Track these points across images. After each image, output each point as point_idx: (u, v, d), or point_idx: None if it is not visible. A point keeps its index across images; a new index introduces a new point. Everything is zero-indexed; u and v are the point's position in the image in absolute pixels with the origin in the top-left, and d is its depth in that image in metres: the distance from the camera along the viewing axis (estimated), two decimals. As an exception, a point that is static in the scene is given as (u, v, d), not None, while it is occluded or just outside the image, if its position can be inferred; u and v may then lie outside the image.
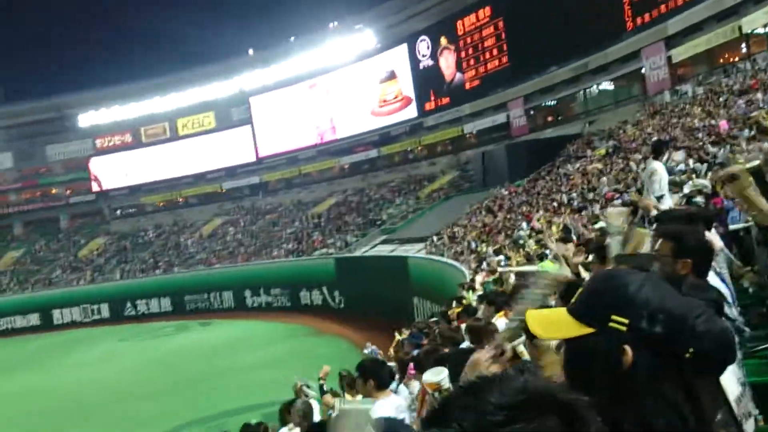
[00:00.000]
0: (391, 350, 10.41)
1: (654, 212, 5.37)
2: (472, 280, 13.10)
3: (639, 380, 1.14)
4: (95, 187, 59.34)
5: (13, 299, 46.24)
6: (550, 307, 2.13)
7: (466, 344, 5.25)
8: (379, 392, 4.40)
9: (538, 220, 19.27)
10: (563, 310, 1.27)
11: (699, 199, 7.16)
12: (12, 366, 30.60)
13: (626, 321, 1.15)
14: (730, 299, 2.88)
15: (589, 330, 1.18)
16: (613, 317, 1.16)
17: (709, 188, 7.72)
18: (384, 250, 34.55)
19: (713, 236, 3.76)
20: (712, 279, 2.71)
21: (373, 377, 4.41)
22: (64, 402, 22.21)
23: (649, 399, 1.13)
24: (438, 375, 3.24)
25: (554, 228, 13.37)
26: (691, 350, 1.21)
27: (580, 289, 1.29)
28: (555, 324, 1.24)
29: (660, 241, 2.68)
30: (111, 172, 58.78)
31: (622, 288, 1.19)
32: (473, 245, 23.19)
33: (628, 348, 1.14)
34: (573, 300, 1.27)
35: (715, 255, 3.03)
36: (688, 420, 1.14)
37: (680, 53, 29.77)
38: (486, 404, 0.85)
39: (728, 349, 1.55)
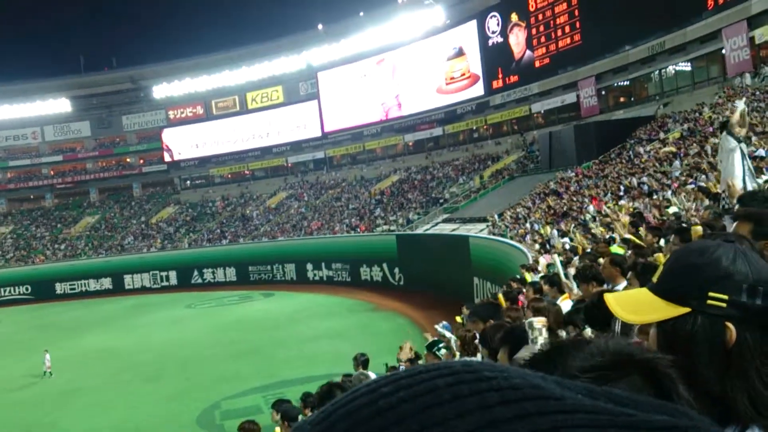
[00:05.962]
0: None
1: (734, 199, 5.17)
2: (536, 262, 12.94)
3: (746, 357, 1.06)
4: (167, 158, 61.28)
5: (88, 263, 48.49)
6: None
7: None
8: None
9: (606, 204, 18.80)
10: (646, 290, 1.19)
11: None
12: (88, 326, 32.38)
13: (725, 296, 1.08)
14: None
15: (684, 310, 1.10)
16: (711, 294, 1.09)
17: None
18: (446, 228, 34.42)
19: None
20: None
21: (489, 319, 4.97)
22: (136, 359, 23.40)
23: (759, 375, 1.06)
24: None
25: (623, 212, 13.03)
26: None
27: (661, 268, 1.21)
28: (644, 306, 1.16)
29: (736, 223, 2.58)
30: (182, 143, 60.53)
31: (716, 261, 1.10)
32: (536, 227, 22.86)
33: (730, 325, 1.07)
34: (657, 279, 1.19)
35: None
36: None
37: (764, 34, 28.25)
38: (570, 369, 0.82)
39: None
